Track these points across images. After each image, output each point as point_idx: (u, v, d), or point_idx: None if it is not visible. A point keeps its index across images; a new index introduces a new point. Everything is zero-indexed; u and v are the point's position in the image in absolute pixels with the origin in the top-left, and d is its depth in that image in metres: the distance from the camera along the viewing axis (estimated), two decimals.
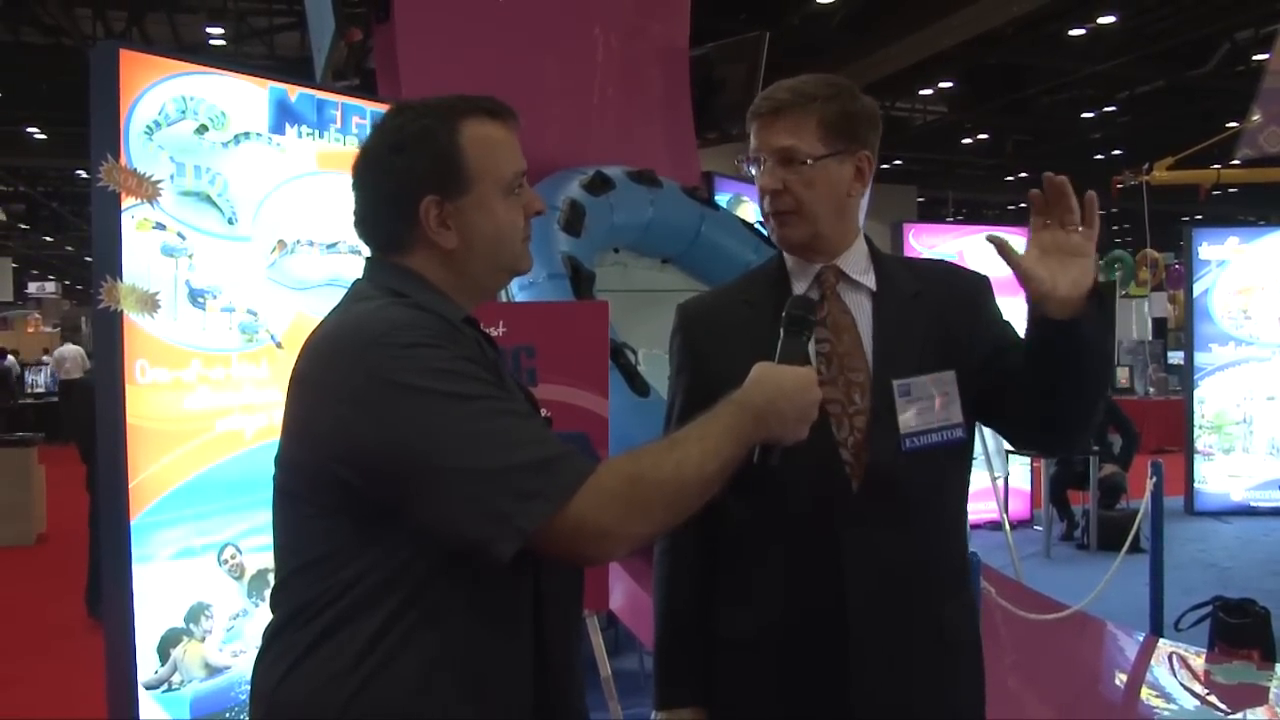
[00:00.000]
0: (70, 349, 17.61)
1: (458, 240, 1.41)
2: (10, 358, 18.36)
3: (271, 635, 1.38)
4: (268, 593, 1.44)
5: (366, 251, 1.51)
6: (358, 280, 1.47)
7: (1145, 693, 4.19)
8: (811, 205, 1.65)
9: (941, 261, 1.93)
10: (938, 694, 1.65)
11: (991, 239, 1.57)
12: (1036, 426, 1.68)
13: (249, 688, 1.45)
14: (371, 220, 1.45)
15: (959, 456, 1.70)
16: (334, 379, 1.31)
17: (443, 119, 1.41)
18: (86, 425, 6.07)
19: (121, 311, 2.77)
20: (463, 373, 1.29)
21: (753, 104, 1.68)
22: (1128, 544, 5.33)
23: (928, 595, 1.65)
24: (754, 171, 1.70)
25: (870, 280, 1.71)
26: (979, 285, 1.77)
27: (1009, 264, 1.54)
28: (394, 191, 1.40)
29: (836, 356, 1.66)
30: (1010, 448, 7.93)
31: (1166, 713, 3.82)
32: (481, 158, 1.40)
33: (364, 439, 1.27)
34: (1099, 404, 1.64)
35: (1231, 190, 17.66)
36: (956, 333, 1.68)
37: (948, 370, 1.65)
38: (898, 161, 20.32)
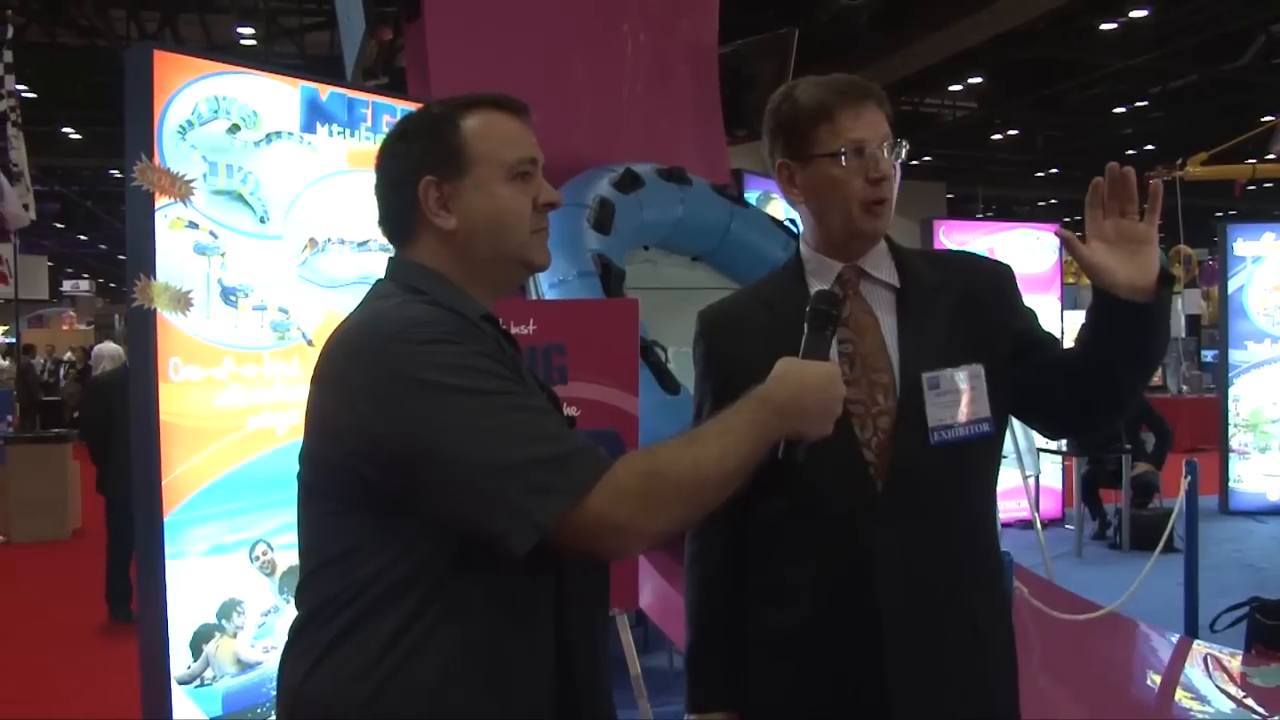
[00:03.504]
0: (109, 347, 17.75)
1: (457, 222, 1.41)
2: (39, 356, 18.56)
3: (296, 631, 1.39)
4: None
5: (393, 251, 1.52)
6: (379, 279, 1.48)
7: (1180, 695, 4.15)
8: (893, 193, 1.66)
9: (962, 253, 1.91)
10: (974, 687, 1.64)
11: (1061, 234, 1.58)
12: (1078, 412, 1.68)
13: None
14: (384, 210, 1.48)
15: (987, 451, 1.69)
16: (353, 376, 1.32)
17: (449, 108, 1.44)
18: (100, 424, 6.14)
19: (155, 310, 2.79)
20: (480, 368, 1.29)
21: (840, 93, 1.63)
22: (1162, 544, 5.27)
23: (959, 590, 1.64)
24: (845, 162, 1.61)
25: (893, 277, 1.70)
26: (1003, 276, 1.76)
27: (1075, 257, 1.55)
28: (397, 176, 1.44)
29: (860, 356, 1.65)
30: (1041, 445, 7.89)
31: (1201, 715, 3.78)
32: (481, 141, 1.42)
33: (382, 434, 1.27)
34: (1146, 384, 1.65)
35: (1267, 185, 17.48)
36: (983, 325, 1.67)
37: (976, 364, 1.64)
38: (927, 158, 20.21)
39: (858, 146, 1.62)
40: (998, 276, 1.75)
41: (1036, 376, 1.66)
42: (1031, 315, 1.75)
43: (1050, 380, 1.65)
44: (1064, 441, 8.24)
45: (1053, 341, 1.73)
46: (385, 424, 1.27)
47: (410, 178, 1.41)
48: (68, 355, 21.33)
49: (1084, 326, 1.62)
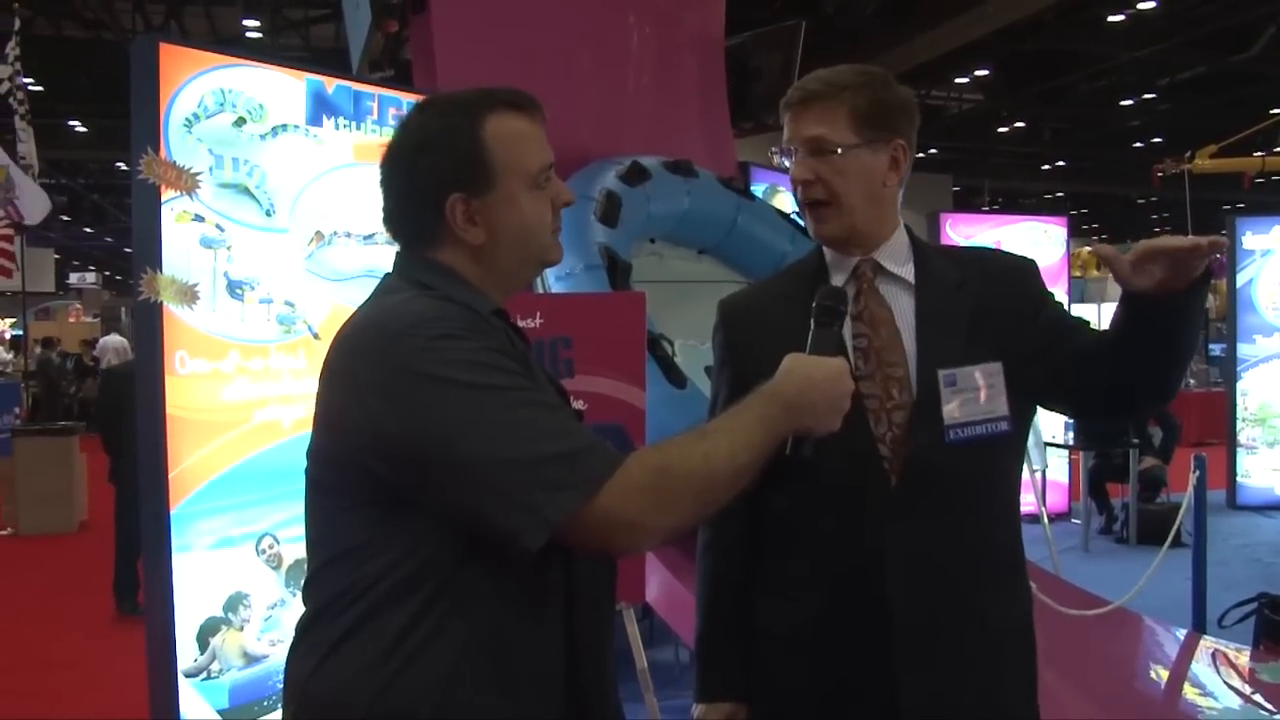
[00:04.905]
0: (113, 340, 17.79)
1: (485, 236, 1.40)
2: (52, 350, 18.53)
3: (304, 628, 1.39)
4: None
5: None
6: (387, 274, 1.47)
7: (1187, 690, 4.13)
8: (845, 196, 1.63)
9: (985, 249, 1.90)
10: (985, 688, 1.63)
11: (1100, 251, 1.57)
12: (1119, 397, 1.65)
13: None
14: (399, 217, 1.46)
15: (1005, 449, 1.67)
16: (362, 371, 1.31)
17: (466, 115, 1.40)
18: (112, 416, 6.15)
19: (161, 303, 2.79)
20: (490, 364, 1.29)
21: (785, 95, 1.67)
22: (1170, 538, 5.25)
23: (971, 587, 1.63)
24: (787, 163, 1.68)
25: (909, 272, 1.69)
26: (1026, 270, 1.74)
27: (1110, 268, 1.52)
28: (419, 190, 1.40)
29: (874, 351, 1.64)
30: (1049, 440, 7.87)
31: (1209, 711, 3.76)
32: (506, 153, 1.40)
33: (392, 430, 1.27)
34: (1185, 368, 1.63)
35: (1276, 178, 17.39)
36: (1005, 323, 1.65)
37: (995, 361, 1.62)
38: (933, 151, 20.17)
39: (788, 148, 1.66)
40: (1021, 272, 1.73)
41: (1071, 364, 1.63)
42: (1060, 307, 1.73)
43: (1086, 367, 1.62)
44: (1071, 435, 8.23)
45: (1083, 326, 1.69)
46: (395, 420, 1.26)
47: (435, 194, 1.39)
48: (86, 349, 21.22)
49: (1114, 316, 1.58)
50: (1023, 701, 1.70)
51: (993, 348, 1.63)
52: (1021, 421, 1.67)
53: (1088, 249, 17.61)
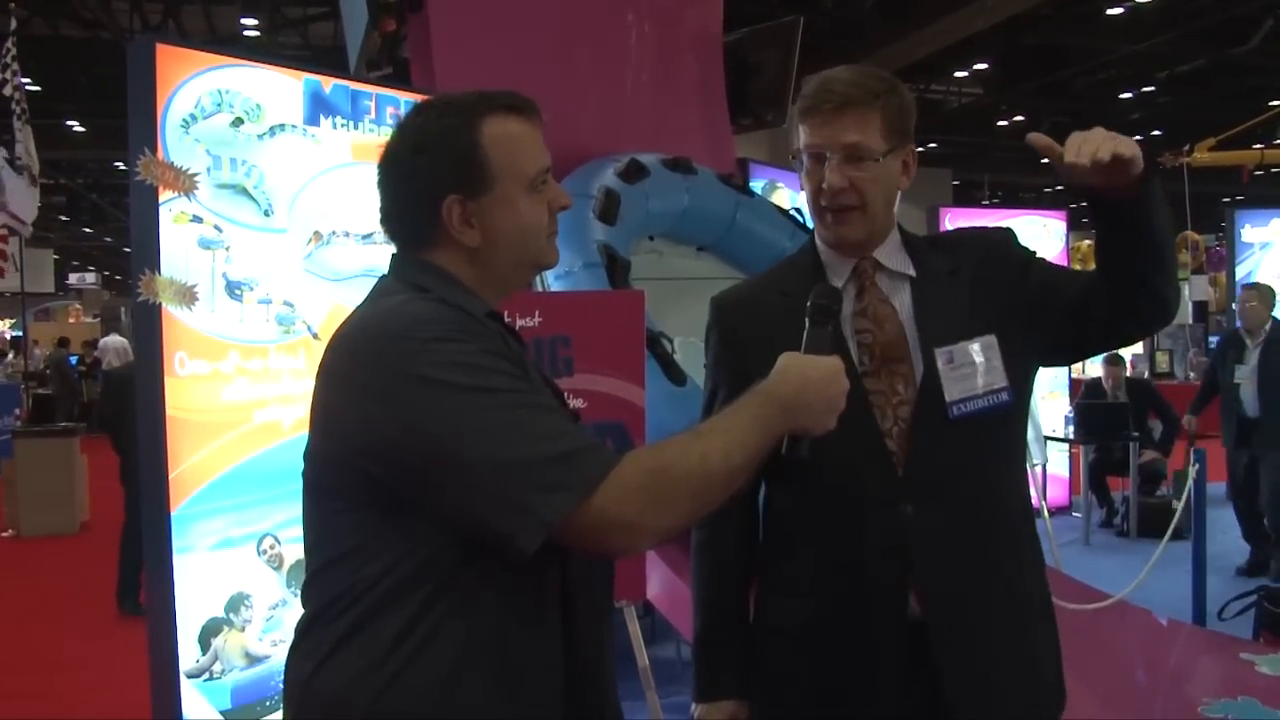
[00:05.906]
0: (114, 340, 17.78)
1: (481, 238, 1.41)
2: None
3: (303, 630, 1.40)
4: None
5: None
6: (383, 276, 1.48)
7: (1187, 683, 4.14)
8: (873, 202, 1.64)
9: (962, 232, 1.91)
10: (1020, 654, 1.66)
11: (1033, 140, 1.52)
12: (1124, 317, 1.64)
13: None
14: (396, 218, 1.46)
15: (1007, 422, 1.69)
16: (358, 374, 1.31)
17: (463, 117, 1.41)
18: (119, 416, 6.16)
19: (160, 304, 2.79)
20: (486, 366, 1.29)
21: (807, 97, 1.64)
22: (1170, 531, 5.26)
23: (995, 561, 1.65)
24: (806, 166, 1.66)
25: (908, 267, 1.71)
26: (1005, 241, 1.77)
27: (1051, 159, 1.49)
28: (416, 191, 1.41)
29: (878, 346, 1.65)
30: (1049, 434, 7.88)
31: (1210, 704, 3.77)
32: (503, 156, 1.40)
33: (388, 432, 1.27)
34: (1174, 268, 1.63)
35: (1275, 170, 17.39)
36: (1000, 293, 1.68)
37: (989, 334, 1.64)
38: (933, 145, 20.14)
39: (813, 153, 1.63)
40: (1001, 244, 1.76)
41: (1072, 302, 1.65)
42: (1043, 261, 1.75)
43: (1087, 299, 1.63)
44: (1071, 429, 8.23)
45: (1073, 270, 1.72)
46: (392, 422, 1.27)
47: (432, 195, 1.39)
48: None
49: (1095, 237, 1.61)
50: (1054, 667, 1.72)
51: (993, 322, 1.65)
52: (1022, 392, 1.68)
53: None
